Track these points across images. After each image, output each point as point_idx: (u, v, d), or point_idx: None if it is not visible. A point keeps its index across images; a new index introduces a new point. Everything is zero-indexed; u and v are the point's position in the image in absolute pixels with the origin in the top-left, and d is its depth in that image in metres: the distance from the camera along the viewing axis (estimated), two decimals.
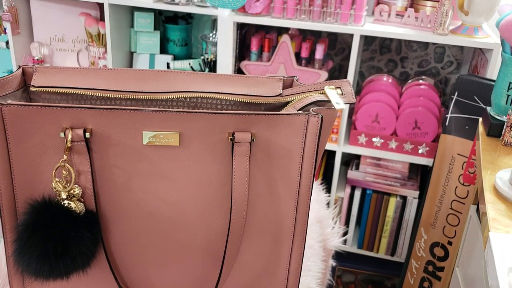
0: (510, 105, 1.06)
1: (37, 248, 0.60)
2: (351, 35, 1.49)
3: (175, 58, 1.76)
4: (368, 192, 1.67)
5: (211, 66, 1.70)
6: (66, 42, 1.82)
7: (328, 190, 1.66)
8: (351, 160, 1.74)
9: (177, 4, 1.57)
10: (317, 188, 1.28)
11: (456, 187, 1.42)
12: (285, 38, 1.53)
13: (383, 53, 1.79)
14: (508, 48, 1.05)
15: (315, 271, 1.00)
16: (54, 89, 0.68)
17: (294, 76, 0.74)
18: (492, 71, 1.39)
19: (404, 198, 1.64)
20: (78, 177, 0.64)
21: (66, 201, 0.63)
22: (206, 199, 0.68)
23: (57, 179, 0.63)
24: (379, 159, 1.64)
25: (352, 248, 1.76)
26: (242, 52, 1.65)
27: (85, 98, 0.70)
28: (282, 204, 0.70)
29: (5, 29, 1.83)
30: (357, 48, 1.47)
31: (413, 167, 1.69)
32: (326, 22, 1.48)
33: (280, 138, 0.66)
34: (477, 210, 1.03)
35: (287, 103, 0.71)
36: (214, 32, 1.76)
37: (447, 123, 1.44)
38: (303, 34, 1.73)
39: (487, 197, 0.82)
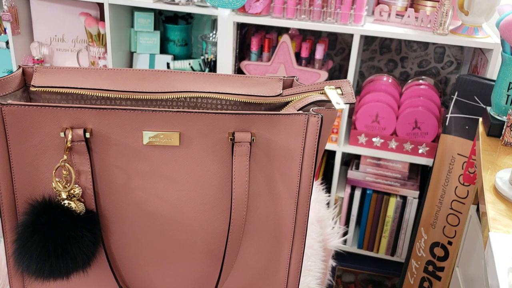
0: (510, 105, 1.06)
1: (37, 248, 0.60)
2: (351, 35, 1.49)
3: (175, 58, 1.76)
4: (368, 192, 1.67)
5: (211, 66, 1.70)
6: (66, 42, 1.82)
7: (328, 190, 1.66)
8: (351, 160, 1.74)
9: (177, 4, 1.57)
10: (317, 188, 1.28)
11: (456, 187, 1.42)
12: (285, 38, 1.53)
13: (383, 53, 1.79)
14: (508, 48, 1.05)
15: (315, 271, 1.00)
16: (54, 89, 0.68)
17: (294, 76, 0.74)
18: (492, 71, 1.39)
19: (404, 198, 1.64)
20: (78, 177, 0.64)
21: (66, 201, 0.63)
22: (206, 199, 0.68)
23: (57, 179, 0.63)
24: (379, 159, 1.64)
25: (352, 248, 1.76)
26: (242, 52, 1.65)
27: (85, 98, 0.70)
28: (282, 204, 0.70)
29: (5, 29, 1.83)
30: (357, 48, 1.47)
31: (413, 167, 1.69)
32: (326, 22, 1.48)
33: (280, 138, 0.66)
34: (477, 210, 1.03)
35: (287, 103, 0.72)
36: (214, 32, 1.76)
37: (447, 123, 1.44)
38: (303, 34, 1.73)
39: (487, 197, 0.82)
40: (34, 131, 0.62)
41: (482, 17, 1.40)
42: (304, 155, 0.67)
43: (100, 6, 1.72)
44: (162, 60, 1.75)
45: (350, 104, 0.67)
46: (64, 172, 0.63)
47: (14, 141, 0.62)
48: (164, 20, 1.79)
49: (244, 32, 1.65)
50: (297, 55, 1.59)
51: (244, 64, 1.60)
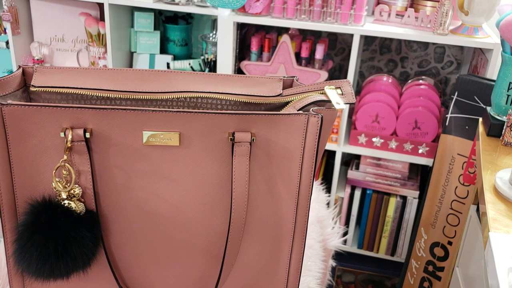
0: (510, 105, 1.06)
1: (37, 248, 0.60)
2: (351, 35, 1.49)
3: (175, 58, 1.76)
4: (368, 192, 1.67)
5: (211, 66, 1.70)
6: (66, 42, 1.82)
7: (328, 190, 1.66)
8: (351, 160, 1.74)
9: (177, 4, 1.57)
10: (317, 188, 1.28)
11: (456, 187, 1.42)
12: (285, 38, 1.53)
13: (383, 53, 1.79)
14: (508, 48, 1.05)
15: (315, 271, 1.00)
16: (54, 89, 0.68)
17: (294, 76, 0.74)
18: (492, 71, 1.39)
19: (404, 198, 1.64)
20: (78, 177, 0.64)
21: (66, 201, 0.63)
22: (206, 199, 0.68)
23: (57, 179, 0.63)
24: (379, 159, 1.64)
25: (352, 248, 1.76)
26: (242, 52, 1.65)
27: (85, 98, 0.70)
28: (282, 204, 0.70)
29: (5, 29, 1.83)
30: (357, 48, 1.47)
31: (413, 167, 1.69)
32: (326, 22, 1.48)
33: (280, 138, 0.66)
34: (477, 210, 1.03)
35: (287, 103, 0.72)
36: (214, 32, 1.76)
37: (447, 123, 1.44)
38: (303, 34, 1.73)
39: (487, 197, 0.82)
40: (34, 131, 0.62)
41: (482, 17, 1.40)
42: (304, 155, 0.67)
43: (100, 6, 1.72)
44: (162, 60, 1.75)
45: (350, 104, 0.67)
46: (64, 172, 0.63)
47: (14, 141, 0.62)
48: (164, 20, 1.79)
49: (244, 32, 1.64)
50: (297, 55, 1.59)
51: (244, 64, 1.60)
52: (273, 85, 0.72)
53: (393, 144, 1.56)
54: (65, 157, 0.62)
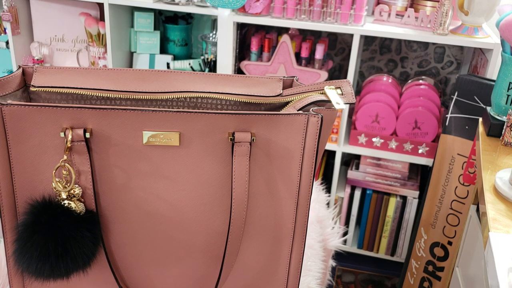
0: (510, 105, 1.06)
1: (37, 248, 0.60)
2: (351, 35, 1.49)
3: (175, 58, 1.76)
4: (368, 192, 1.67)
5: (211, 66, 1.70)
6: (66, 42, 1.82)
7: (328, 190, 1.66)
8: (351, 160, 1.74)
9: (177, 4, 1.57)
10: (317, 188, 1.28)
11: (456, 187, 1.42)
12: (285, 38, 1.53)
13: (383, 53, 1.79)
14: (508, 48, 1.05)
15: (315, 271, 1.00)
16: (54, 89, 0.68)
17: (294, 76, 0.74)
18: (492, 71, 1.39)
19: (404, 198, 1.64)
20: (78, 177, 0.64)
21: (66, 201, 0.63)
22: (206, 199, 0.68)
23: (57, 179, 0.63)
24: (379, 159, 1.64)
25: (352, 248, 1.76)
26: (242, 52, 1.65)
27: (85, 98, 0.70)
28: (282, 204, 0.70)
29: (5, 29, 1.83)
30: (357, 48, 1.47)
31: (413, 167, 1.69)
32: (326, 22, 1.48)
33: (280, 138, 0.66)
34: (477, 210, 1.03)
35: (287, 103, 0.72)
36: (214, 32, 1.76)
37: (447, 123, 1.44)
38: (303, 34, 1.73)
39: (487, 197, 0.82)
40: (34, 131, 0.62)
41: (482, 17, 1.40)
42: (304, 155, 0.67)
43: (100, 6, 1.72)
44: (162, 60, 1.75)
45: (350, 104, 0.67)
46: (64, 172, 0.63)
47: (14, 141, 0.62)
48: (164, 20, 1.79)
49: (244, 32, 1.64)
50: (297, 55, 1.59)
51: (244, 64, 1.60)
52: (273, 85, 0.73)
53: (393, 144, 1.56)
54: (65, 157, 0.62)
